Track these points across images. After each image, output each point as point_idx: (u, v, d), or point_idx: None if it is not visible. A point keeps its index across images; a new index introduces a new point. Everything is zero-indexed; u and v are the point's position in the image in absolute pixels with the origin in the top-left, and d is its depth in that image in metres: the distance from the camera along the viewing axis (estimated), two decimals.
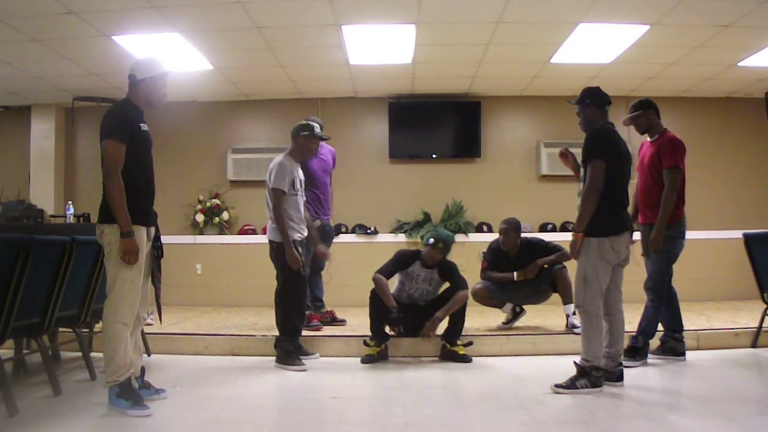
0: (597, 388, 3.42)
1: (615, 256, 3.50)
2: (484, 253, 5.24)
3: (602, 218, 3.44)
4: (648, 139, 4.24)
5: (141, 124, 3.20)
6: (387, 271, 4.46)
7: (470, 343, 4.41)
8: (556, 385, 3.45)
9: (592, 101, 3.61)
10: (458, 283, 4.45)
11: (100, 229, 3.14)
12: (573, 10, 4.86)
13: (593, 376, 3.43)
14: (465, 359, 4.30)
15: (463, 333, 4.49)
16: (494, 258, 5.13)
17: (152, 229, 3.29)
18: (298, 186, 4.28)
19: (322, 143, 4.99)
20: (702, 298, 6.65)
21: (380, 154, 7.38)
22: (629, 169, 3.66)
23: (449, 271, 4.52)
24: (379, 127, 7.39)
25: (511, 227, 5.01)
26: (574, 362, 3.52)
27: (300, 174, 4.35)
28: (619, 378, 3.56)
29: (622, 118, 4.19)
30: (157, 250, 3.35)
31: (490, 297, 5.07)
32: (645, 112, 4.16)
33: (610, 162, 3.46)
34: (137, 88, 3.22)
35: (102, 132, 3.11)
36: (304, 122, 4.38)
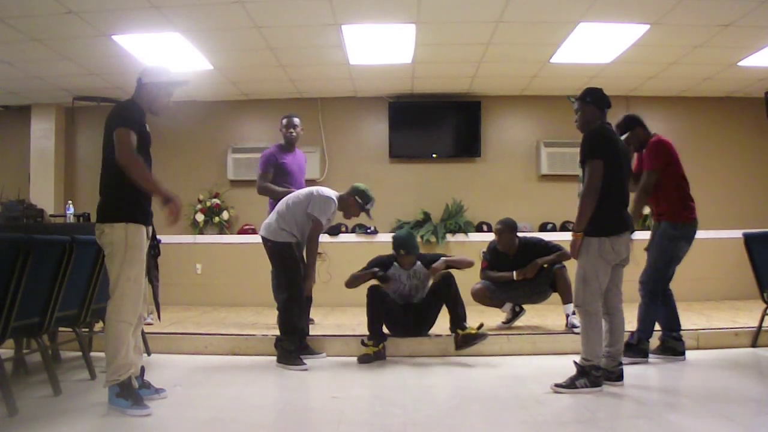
0: (597, 388, 3.42)
1: (615, 256, 3.50)
2: (483, 252, 5.24)
3: (603, 218, 3.43)
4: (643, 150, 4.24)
5: (145, 125, 3.24)
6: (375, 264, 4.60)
7: (482, 326, 4.35)
8: (556, 385, 3.45)
9: (593, 100, 3.61)
10: (438, 256, 4.62)
11: (100, 230, 3.14)
12: (573, 10, 4.86)
13: (593, 375, 3.43)
14: (481, 337, 4.26)
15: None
16: (494, 258, 5.13)
17: (150, 228, 3.30)
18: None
19: (297, 148, 5.29)
20: (702, 298, 6.65)
21: (380, 154, 7.38)
22: (628, 167, 3.66)
23: (433, 259, 4.60)
24: (379, 126, 7.39)
25: (506, 227, 5.01)
26: (574, 362, 3.52)
27: (333, 219, 4.47)
28: (619, 377, 3.56)
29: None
30: (154, 249, 3.36)
31: (489, 297, 5.08)
32: (632, 132, 4.17)
33: (609, 161, 3.45)
34: (141, 91, 3.26)
35: (113, 122, 3.12)
36: (366, 193, 4.39)
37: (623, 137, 4.15)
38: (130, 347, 3.14)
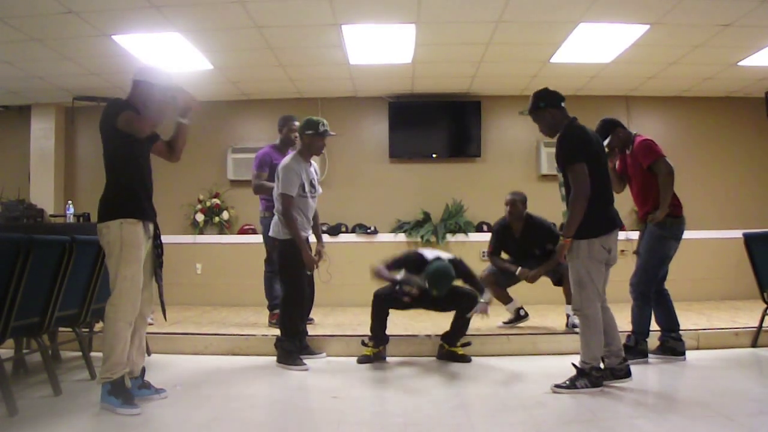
0: (597, 388, 3.42)
1: (606, 255, 3.47)
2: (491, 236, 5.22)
3: (591, 219, 3.40)
4: (627, 151, 4.23)
5: None
6: (391, 266, 4.31)
7: (468, 344, 4.40)
8: (556, 386, 3.44)
9: (548, 103, 3.54)
10: (474, 286, 4.29)
11: (99, 230, 3.15)
12: (573, 10, 4.86)
13: (593, 376, 3.42)
14: (464, 359, 4.30)
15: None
16: (499, 238, 5.13)
17: (151, 226, 3.29)
18: (309, 188, 4.24)
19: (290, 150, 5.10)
20: (702, 298, 6.65)
21: (380, 154, 7.38)
22: (606, 161, 3.61)
23: (464, 277, 4.31)
24: (379, 126, 7.39)
25: (518, 198, 5.03)
26: (573, 364, 3.51)
27: (312, 174, 4.31)
28: (627, 374, 3.54)
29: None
30: (158, 248, 3.35)
31: (496, 283, 5.04)
32: (614, 135, 4.15)
33: (589, 161, 3.40)
34: (135, 90, 3.27)
35: (111, 115, 3.14)
36: (308, 120, 4.24)
37: (605, 142, 4.14)
38: (127, 346, 3.14)
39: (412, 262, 4.32)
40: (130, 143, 3.18)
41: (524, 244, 4.97)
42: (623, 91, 7.08)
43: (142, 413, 3.04)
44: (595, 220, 3.42)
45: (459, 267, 4.28)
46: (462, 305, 4.28)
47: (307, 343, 4.46)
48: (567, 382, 3.44)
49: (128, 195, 3.15)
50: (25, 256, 3.05)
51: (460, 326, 4.34)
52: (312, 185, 4.29)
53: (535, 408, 3.18)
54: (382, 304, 4.29)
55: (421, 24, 5.12)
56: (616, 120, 4.21)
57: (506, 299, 5.13)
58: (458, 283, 4.32)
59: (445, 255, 4.36)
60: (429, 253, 4.35)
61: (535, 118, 3.60)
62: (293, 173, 4.15)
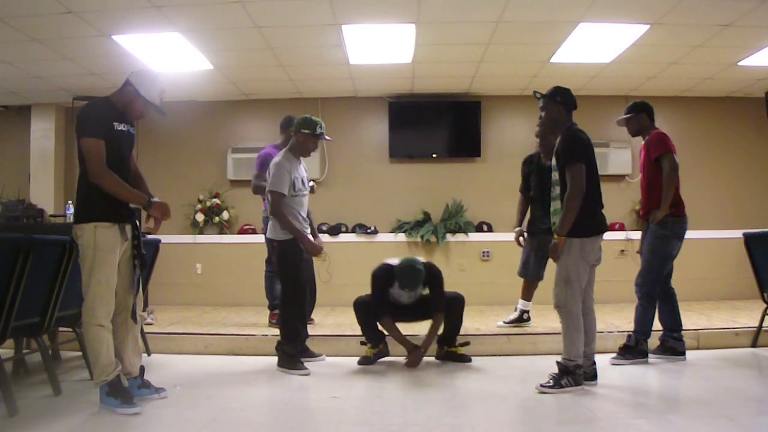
0: (579, 386, 3.45)
1: (594, 256, 3.54)
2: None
3: (584, 219, 3.46)
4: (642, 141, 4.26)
5: (115, 123, 3.19)
6: (380, 300, 4.21)
7: (467, 343, 4.39)
8: (542, 385, 3.46)
9: (563, 101, 3.59)
10: (437, 299, 4.23)
11: (74, 232, 3.14)
12: (573, 10, 4.86)
13: (576, 374, 3.45)
14: (464, 359, 4.29)
15: (462, 332, 4.47)
16: (523, 171, 5.23)
17: (128, 227, 3.24)
18: (300, 186, 4.17)
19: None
20: (702, 297, 6.65)
21: (380, 154, 7.38)
22: (597, 168, 3.65)
23: (432, 284, 4.24)
24: (379, 126, 7.39)
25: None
26: (557, 362, 3.53)
27: (301, 172, 4.24)
28: (593, 377, 3.57)
29: (616, 119, 4.23)
30: (135, 249, 3.28)
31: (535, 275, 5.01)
32: (636, 115, 4.18)
33: (588, 164, 3.48)
34: (122, 90, 3.25)
35: (78, 130, 3.11)
36: (307, 119, 4.19)
37: (625, 116, 4.18)
38: (112, 346, 3.13)
39: (383, 278, 4.23)
40: (106, 145, 3.12)
41: (548, 177, 4.86)
42: (623, 91, 7.08)
43: (141, 413, 3.05)
44: (588, 220, 3.50)
45: (430, 269, 4.21)
46: (447, 307, 4.25)
47: (306, 345, 4.38)
48: (551, 382, 3.45)
49: (102, 197, 3.10)
50: (25, 256, 3.05)
51: (452, 327, 4.33)
52: (303, 183, 4.23)
53: (535, 408, 3.19)
54: (366, 310, 4.25)
55: (421, 24, 5.12)
56: (651, 108, 4.22)
57: (529, 296, 5.09)
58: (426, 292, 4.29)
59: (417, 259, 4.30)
60: (394, 261, 4.30)
61: (544, 104, 3.63)
62: (284, 170, 4.08)
